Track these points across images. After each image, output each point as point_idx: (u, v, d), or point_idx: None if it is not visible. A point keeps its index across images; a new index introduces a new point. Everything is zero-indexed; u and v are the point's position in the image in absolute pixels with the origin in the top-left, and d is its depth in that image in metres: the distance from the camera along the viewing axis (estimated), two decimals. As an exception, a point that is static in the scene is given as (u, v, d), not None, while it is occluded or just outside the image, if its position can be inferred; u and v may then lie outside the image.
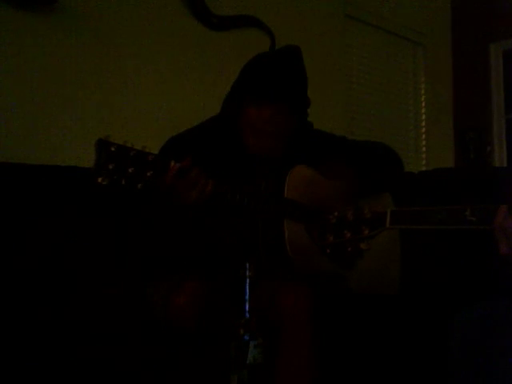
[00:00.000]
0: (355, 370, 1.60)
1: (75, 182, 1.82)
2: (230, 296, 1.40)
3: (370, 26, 3.44)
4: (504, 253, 1.23)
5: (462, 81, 3.77)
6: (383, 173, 1.80)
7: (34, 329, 1.43)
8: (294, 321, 1.40)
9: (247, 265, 1.31)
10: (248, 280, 1.30)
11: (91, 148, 1.33)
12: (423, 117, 3.76)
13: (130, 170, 1.31)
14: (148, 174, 1.34)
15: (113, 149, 1.29)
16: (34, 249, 1.66)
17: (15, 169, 1.82)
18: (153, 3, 2.53)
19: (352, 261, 1.65)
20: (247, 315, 1.28)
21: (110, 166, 1.29)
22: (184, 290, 1.45)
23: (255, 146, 1.65)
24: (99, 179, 1.29)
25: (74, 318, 1.45)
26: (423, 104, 3.76)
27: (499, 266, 1.36)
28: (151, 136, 1.81)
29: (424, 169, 3.70)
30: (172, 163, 1.38)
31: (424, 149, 3.76)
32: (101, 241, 1.72)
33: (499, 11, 3.55)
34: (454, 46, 3.80)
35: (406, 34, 3.63)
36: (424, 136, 3.76)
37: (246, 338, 1.28)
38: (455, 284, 2.05)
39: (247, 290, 1.30)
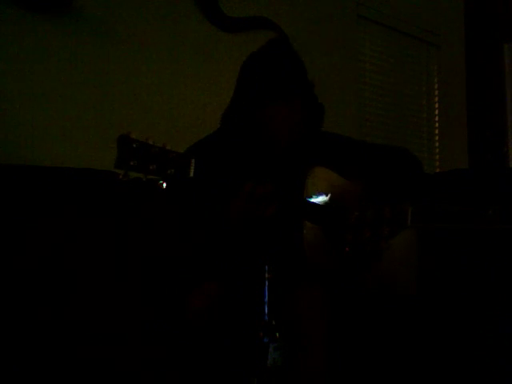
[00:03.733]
0: (370, 371, 1.58)
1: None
2: (247, 298, 1.38)
3: (382, 27, 3.43)
4: None
5: (476, 81, 3.74)
6: (401, 175, 1.78)
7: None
8: (310, 322, 1.39)
9: (266, 267, 1.30)
10: (267, 282, 1.29)
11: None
12: (436, 118, 3.74)
13: (151, 168, 1.30)
14: (169, 171, 1.32)
15: (135, 145, 1.28)
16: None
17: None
18: (165, 5, 2.52)
19: (370, 262, 1.63)
20: (266, 318, 1.27)
21: (132, 163, 1.27)
22: (202, 291, 1.43)
23: (275, 144, 1.65)
24: (120, 176, 1.28)
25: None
26: (436, 105, 3.73)
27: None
28: (168, 137, 1.81)
29: (437, 170, 3.67)
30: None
31: (437, 150, 3.73)
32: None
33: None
34: (467, 47, 3.78)
35: (419, 35, 3.61)
36: (437, 137, 3.74)
37: (266, 340, 1.27)
38: (471, 286, 2.03)
39: (266, 293, 1.28)
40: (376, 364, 1.57)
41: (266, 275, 1.28)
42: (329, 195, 1.65)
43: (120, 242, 1.70)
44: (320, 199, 1.63)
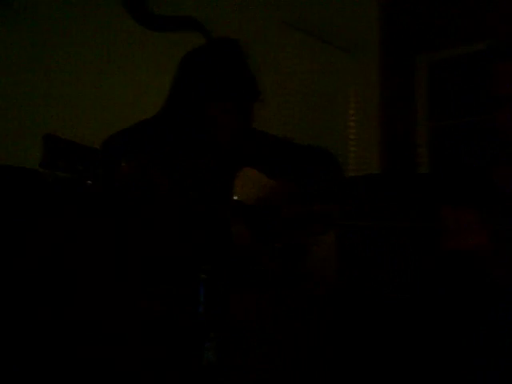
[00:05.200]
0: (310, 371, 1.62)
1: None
2: (182, 298, 1.38)
3: (304, 34, 3.51)
4: (451, 247, 1.31)
5: (389, 90, 3.91)
6: (323, 177, 1.84)
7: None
8: (246, 321, 1.41)
9: (202, 268, 1.31)
10: (203, 283, 1.30)
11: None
12: (352, 123, 3.87)
13: (79, 167, 1.27)
14: (98, 171, 1.30)
15: (62, 145, 1.25)
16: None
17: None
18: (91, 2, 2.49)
19: (300, 259, 1.68)
20: (202, 318, 1.28)
21: (59, 163, 1.24)
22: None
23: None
24: (45, 175, 1.24)
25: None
26: (352, 111, 3.87)
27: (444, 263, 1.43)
28: (95, 134, 1.78)
29: (352, 174, 3.80)
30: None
31: (353, 154, 3.87)
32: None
33: (425, 25, 3.73)
34: (381, 57, 3.95)
35: (337, 43, 3.73)
36: (352, 142, 3.87)
37: (201, 339, 1.28)
38: (391, 282, 2.12)
39: (202, 293, 1.29)
40: (314, 363, 1.61)
41: (202, 275, 1.29)
42: (258, 195, 1.68)
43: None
44: (248, 199, 1.66)
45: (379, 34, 3.94)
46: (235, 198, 1.64)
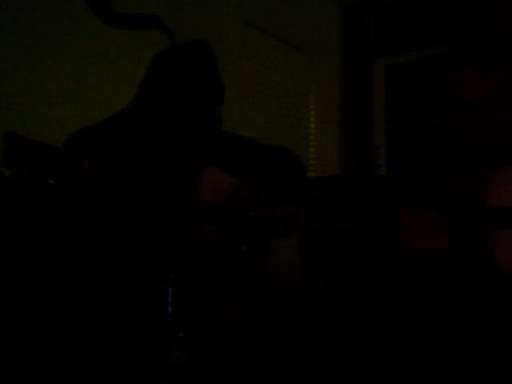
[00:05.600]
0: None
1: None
2: (150, 298, 1.38)
3: (266, 35, 3.54)
4: (411, 247, 1.35)
5: (349, 92, 3.98)
6: (288, 177, 1.87)
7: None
8: (216, 320, 1.42)
9: (170, 267, 1.31)
10: (171, 282, 1.30)
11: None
12: (312, 125, 3.93)
13: (40, 165, 1.25)
14: (61, 169, 1.29)
15: (23, 142, 1.23)
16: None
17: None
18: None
19: (264, 259, 1.69)
20: (170, 318, 1.28)
21: (20, 161, 1.22)
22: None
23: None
24: (6, 173, 1.23)
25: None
26: (312, 113, 3.93)
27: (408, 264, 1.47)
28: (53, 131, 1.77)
29: (311, 175, 3.86)
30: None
31: (312, 155, 3.92)
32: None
33: (384, 29, 3.82)
34: (341, 60, 4.02)
35: (298, 45, 3.78)
36: (312, 143, 3.93)
37: (169, 340, 1.28)
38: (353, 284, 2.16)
39: (170, 292, 1.30)
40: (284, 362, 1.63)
41: (170, 275, 1.30)
42: (221, 194, 1.68)
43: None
44: (212, 198, 1.67)
45: (339, 37, 4.01)
46: (199, 197, 1.64)
